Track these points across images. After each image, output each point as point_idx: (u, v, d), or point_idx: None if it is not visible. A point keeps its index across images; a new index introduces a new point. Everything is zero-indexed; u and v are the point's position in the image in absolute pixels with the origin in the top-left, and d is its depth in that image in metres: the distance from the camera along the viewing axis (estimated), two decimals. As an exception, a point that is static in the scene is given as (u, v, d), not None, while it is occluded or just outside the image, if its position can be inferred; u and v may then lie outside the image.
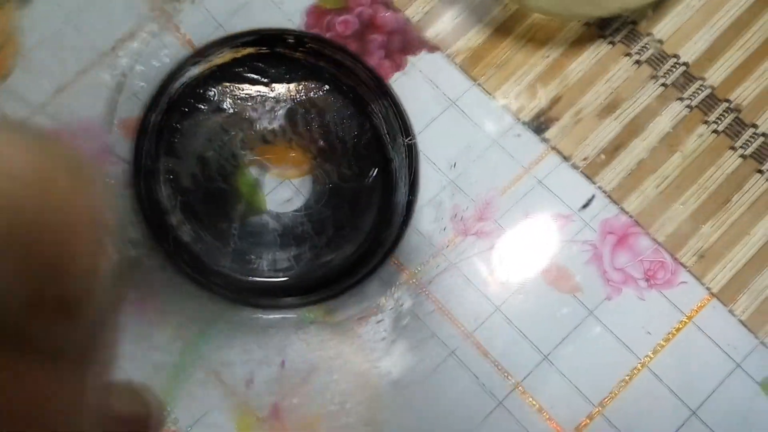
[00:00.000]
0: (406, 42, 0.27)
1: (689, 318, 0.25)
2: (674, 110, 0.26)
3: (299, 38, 0.25)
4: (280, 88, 0.26)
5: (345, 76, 0.26)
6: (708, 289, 0.25)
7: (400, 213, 0.25)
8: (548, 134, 0.26)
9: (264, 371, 0.24)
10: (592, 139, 0.26)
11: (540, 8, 0.26)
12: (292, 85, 0.26)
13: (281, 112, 0.26)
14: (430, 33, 0.27)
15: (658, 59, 0.27)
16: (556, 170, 0.26)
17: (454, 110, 0.27)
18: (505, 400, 0.24)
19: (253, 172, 0.26)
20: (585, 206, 0.26)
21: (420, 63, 0.27)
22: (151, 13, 0.28)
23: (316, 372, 0.24)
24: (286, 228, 0.25)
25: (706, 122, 0.26)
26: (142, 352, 0.24)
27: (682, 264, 0.25)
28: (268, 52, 0.26)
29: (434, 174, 0.26)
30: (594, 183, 0.26)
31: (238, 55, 0.26)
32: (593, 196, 0.26)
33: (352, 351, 0.25)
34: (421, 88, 0.27)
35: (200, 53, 0.25)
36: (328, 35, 0.27)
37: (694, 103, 0.26)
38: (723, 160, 0.26)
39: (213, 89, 0.26)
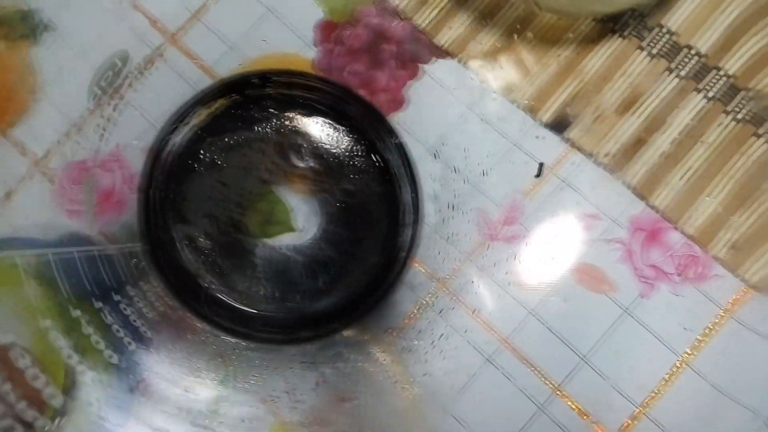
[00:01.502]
0: (418, 50, 0.27)
1: (726, 311, 0.24)
2: (693, 101, 0.26)
3: (263, 77, 0.26)
4: (262, 128, 0.26)
5: (317, 98, 0.26)
6: (744, 280, 0.25)
7: (409, 212, 0.25)
8: (568, 133, 0.26)
9: (303, 393, 0.24)
10: (613, 135, 0.26)
11: (549, 7, 0.26)
12: (272, 122, 0.26)
13: (269, 151, 0.26)
14: (441, 39, 0.27)
15: (672, 51, 0.26)
16: (579, 168, 0.26)
17: (472, 116, 0.26)
18: (546, 404, 0.24)
19: (260, 213, 0.26)
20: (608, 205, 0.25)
21: (433, 70, 0.27)
22: (162, 36, 0.28)
23: (354, 387, 0.24)
24: (307, 257, 0.25)
25: (725, 111, 0.26)
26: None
27: (714, 256, 0.25)
28: (240, 98, 0.26)
29: (457, 181, 0.26)
30: (619, 179, 0.25)
31: (213, 109, 0.26)
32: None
33: (389, 363, 0.24)
34: (436, 95, 0.27)
35: (177, 119, 0.26)
36: (338, 50, 0.27)
37: (711, 94, 0.26)
38: (747, 147, 0.26)
39: (201, 149, 0.26)
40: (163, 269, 0.25)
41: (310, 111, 0.26)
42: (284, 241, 0.26)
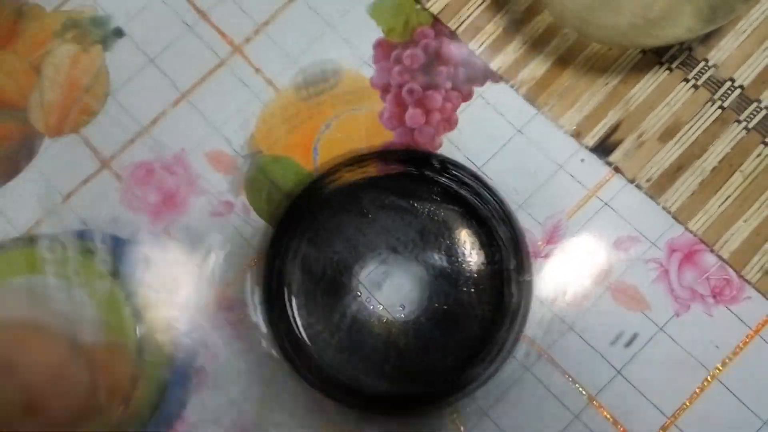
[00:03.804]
0: (472, 73, 0.29)
1: (756, 332, 0.26)
2: (733, 131, 0.27)
3: (443, 163, 0.27)
4: (419, 206, 0.27)
5: (478, 204, 0.27)
6: (774, 303, 0.26)
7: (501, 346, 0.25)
8: (612, 158, 0.27)
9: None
10: (654, 162, 0.27)
11: (598, 38, 0.28)
12: (430, 205, 0.27)
13: (415, 227, 0.27)
14: (495, 64, 0.29)
15: (715, 83, 0.28)
16: (620, 192, 0.27)
17: (520, 138, 0.28)
18: (581, 413, 0.26)
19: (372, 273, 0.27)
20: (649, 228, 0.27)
21: (486, 93, 0.28)
22: (228, 47, 0.29)
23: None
24: (392, 336, 0.26)
25: (764, 143, 0.27)
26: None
27: (746, 280, 0.26)
28: (416, 173, 0.27)
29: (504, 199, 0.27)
30: (658, 203, 0.27)
31: (392, 172, 0.27)
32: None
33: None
34: (488, 117, 0.28)
35: (357, 161, 0.27)
36: (396, 69, 0.29)
37: (751, 125, 0.27)
38: (782, 178, 0.27)
39: (361, 195, 0.27)
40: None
41: (466, 213, 0.27)
42: (377, 307, 0.27)
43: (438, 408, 0.26)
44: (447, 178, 0.27)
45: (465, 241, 0.26)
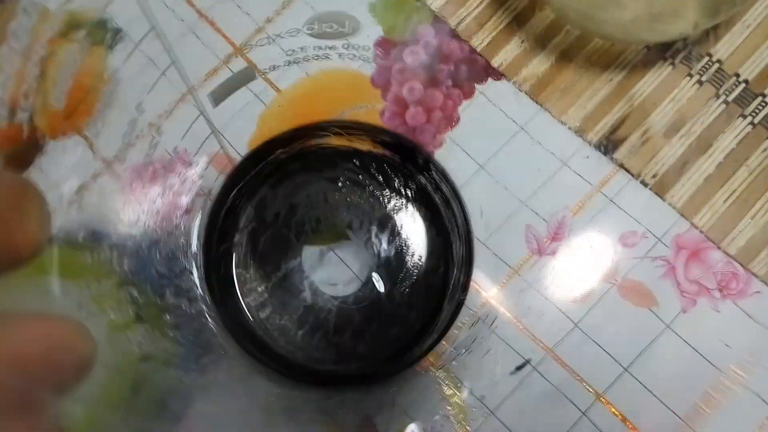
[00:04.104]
0: (474, 71, 0.28)
1: (765, 327, 0.26)
2: (738, 126, 0.27)
3: (427, 162, 0.27)
4: (388, 195, 0.27)
5: (444, 214, 0.27)
6: (782, 298, 0.26)
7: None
8: (616, 154, 0.27)
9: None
10: (660, 158, 0.27)
11: (601, 34, 0.27)
12: (399, 198, 0.27)
13: (377, 213, 0.27)
14: (496, 61, 0.28)
15: (719, 78, 0.28)
16: (625, 189, 0.27)
17: (523, 135, 0.28)
18: (589, 410, 0.25)
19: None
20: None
21: (488, 91, 0.28)
22: (229, 48, 0.29)
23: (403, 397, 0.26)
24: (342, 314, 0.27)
25: (769, 137, 0.27)
26: None
27: (754, 274, 0.26)
28: (398, 161, 0.27)
29: (507, 197, 0.27)
30: (664, 199, 0.27)
31: (376, 152, 0.28)
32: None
33: (438, 372, 0.26)
34: (490, 115, 0.28)
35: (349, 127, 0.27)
36: (396, 67, 0.29)
37: (757, 120, 0.27)
38: (789, 172, 0.27)
39: (338, 162, 0.27)
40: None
41: (431, 223, 0.27)
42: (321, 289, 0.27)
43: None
44: (425, 177, 0.27)
45: (419, 245, 0.27)
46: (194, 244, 0.27)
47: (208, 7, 0.30)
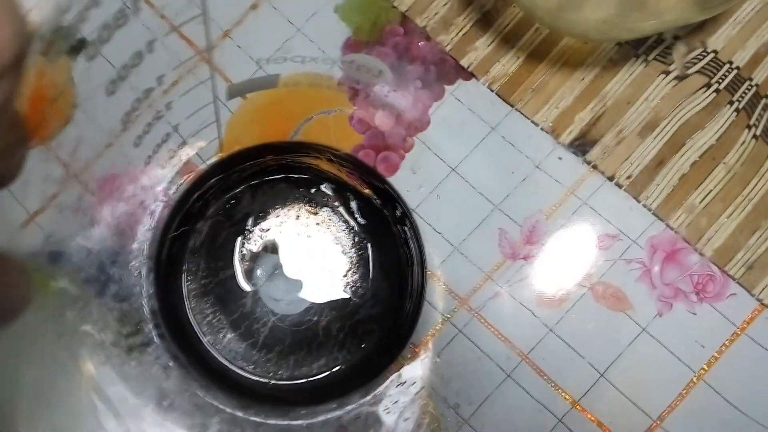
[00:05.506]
0: (443, 71, 0.28)
1: (741, 330, 0.25)
2: (716, 123, 0.27)
3: (404, 217, 0.27)
4: (357, 234, 0.28)
5: (409, 269, 0.28)
6: (759, 300, 0.25)
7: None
8: (590, 155, 0.27)
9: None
10: (634, 158, 0.26)
11: (573, 32, 0.27)
12: (367, 238, 0.27)
13: (342, 247, 0.27)
14: (465, 61, 0.28)
15: (696, 73, 0.27)
16: (599, 190, 0.26)
17: (495, 136, 0.27)
18: (565, 417, 0.25)
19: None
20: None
21: (457, 92, 0.28)
22: (195, 55, 0.29)
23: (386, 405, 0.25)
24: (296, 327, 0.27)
25: (749, 126, 0.26)
26: None
27: (730, 276, 0.25)
28: (378, 204, 0.28)
29: (480, 201, 0.27)
30: (639, 201, 0.26)
31: (361, 188, 0.28)
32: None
33: (418, 379, 0.25)
34: (460, 116, 0.27)
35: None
36: (365, 69, 0.28)
37: (733, 117, 0.26)
38: (765, 170, 0.26)
39: (320, 186, 0.28)
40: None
41: (396, 269, 0.27)
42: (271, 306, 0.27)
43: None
44: (398, 229, 0.27)
45: (373, 279, 0.27)
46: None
47: (174, 15, 0.29)
